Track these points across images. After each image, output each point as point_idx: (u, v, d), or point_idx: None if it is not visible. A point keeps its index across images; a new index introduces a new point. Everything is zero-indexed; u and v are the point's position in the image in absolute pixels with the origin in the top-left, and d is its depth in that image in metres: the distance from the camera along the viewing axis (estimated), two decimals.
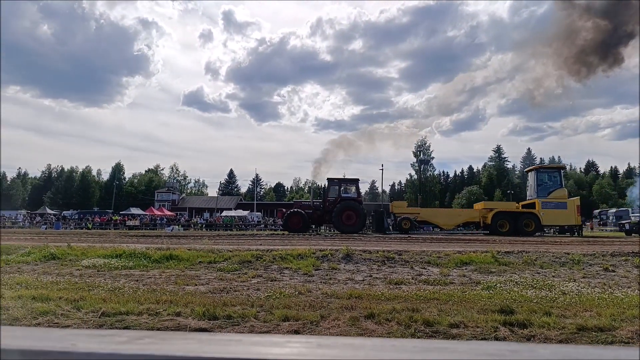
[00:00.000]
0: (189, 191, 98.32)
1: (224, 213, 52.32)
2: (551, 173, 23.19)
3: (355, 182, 23.50)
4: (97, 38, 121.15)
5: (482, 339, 4.19)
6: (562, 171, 23.65)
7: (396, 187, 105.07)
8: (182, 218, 52.25)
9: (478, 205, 23.82)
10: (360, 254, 9.40)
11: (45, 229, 37.49)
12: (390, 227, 22.94)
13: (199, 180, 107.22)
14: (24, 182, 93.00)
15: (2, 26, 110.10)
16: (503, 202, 30.08)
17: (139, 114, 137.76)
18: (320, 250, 9.79)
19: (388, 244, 13.21)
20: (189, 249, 10.22)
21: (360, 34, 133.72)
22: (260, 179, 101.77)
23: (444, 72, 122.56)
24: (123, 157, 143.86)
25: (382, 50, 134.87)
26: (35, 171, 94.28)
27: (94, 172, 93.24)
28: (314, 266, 8.42)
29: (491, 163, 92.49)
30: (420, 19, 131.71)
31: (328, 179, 24.11)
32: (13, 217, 48.85)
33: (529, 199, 23.16)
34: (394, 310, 5.13)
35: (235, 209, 60.60)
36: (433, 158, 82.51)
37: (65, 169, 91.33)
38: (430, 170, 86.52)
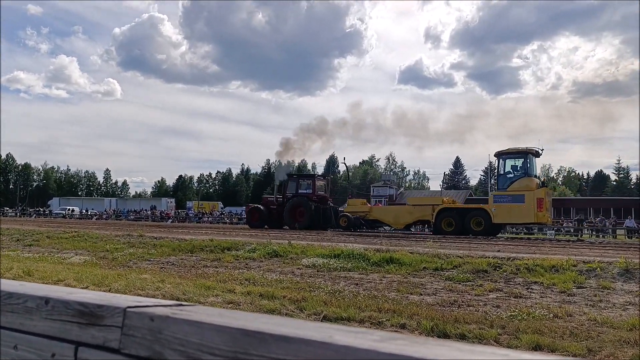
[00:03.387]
0: (407, 184, 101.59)
1: None
2: (513, 159, 23.27)
3: (311, 177, 28.50)
4: (307, 19, 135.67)
5: None
6: (528, 155, 22.97)
7: None
8: None
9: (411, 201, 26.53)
10: None
11: None
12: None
13: (418, 171, 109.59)
14: (247, 178, 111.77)
15: (222, 24, 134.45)
16: (435, 197, 31.30)
17: (352, 99, 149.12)
18: (584, 261, 8.81)
19: None
20: (410, 252, 10.59)
21: None
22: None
23: None
24: (337, 148, 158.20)
25: None
26: (256, 167, 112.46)
27: (309, 166, 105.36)
28: (575, 282, 7.65)
29: None
30: None
31: (287, 174, 29.26)
32: (239, 214, 59.31)
33: None
34: None
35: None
36: None
37: (283, 164, 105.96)
38: None
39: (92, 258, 12.42)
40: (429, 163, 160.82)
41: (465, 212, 23.22)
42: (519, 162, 23.16)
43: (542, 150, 23.54)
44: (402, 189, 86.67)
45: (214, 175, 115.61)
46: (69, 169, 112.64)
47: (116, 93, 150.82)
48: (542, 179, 24.47)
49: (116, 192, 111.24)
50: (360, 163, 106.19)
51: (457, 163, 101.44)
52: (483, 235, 21.22)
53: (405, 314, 5.94)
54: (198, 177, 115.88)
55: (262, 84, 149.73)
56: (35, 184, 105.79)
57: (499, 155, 23.88)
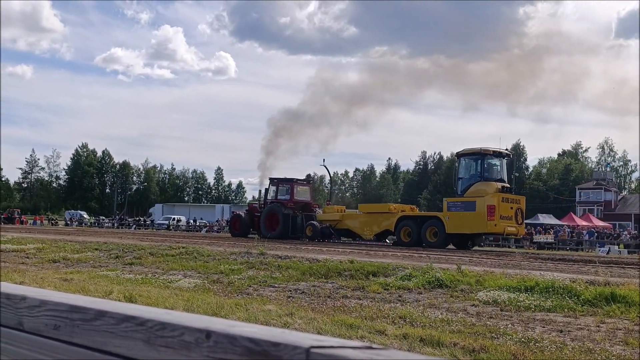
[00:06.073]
0: (633, 185, 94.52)
1: None
2: (470, 160, 28.11)
3: (289, 182, 33.88)
4: None
5: None
6: (486, 157, 27.45)
7: None
8: (625, 232, 50.97)
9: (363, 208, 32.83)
10: None
11: None
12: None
13: None
14: (396, 177, 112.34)
15: None
16: (386, 204, 35.52)
17: (545, 62, 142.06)
18: None
19: None
20: None
21: None
22: None
23: None
24: (524, 134, 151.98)
25: None
26: (407, 162, 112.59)
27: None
28: None
29: None
30: None
31: (270, 178, 35.44)
32: None
33: None
34: None
35: None
36: None
37: (445, 157, 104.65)
38: None
39: (203, 282, 13.41)
40: None
41: (422, 221, 27.94)
42: (475, 165, 27.76)
43: (507, 150, 29.65)
44: (625, 192, 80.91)
45: (351, 174, 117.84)
46: (174, 168, 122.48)
47: (229, 70, 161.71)
48: (511, 185, 29.23)
49: (229, 198, 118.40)
50: (558, 155, 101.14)
51: None
52: (437, 247, 24.97)
53: None
54: (330, 177, 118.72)
55: (415, 47, 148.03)
56: (134, 187, 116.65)
57: (458, 156, 28.86)
